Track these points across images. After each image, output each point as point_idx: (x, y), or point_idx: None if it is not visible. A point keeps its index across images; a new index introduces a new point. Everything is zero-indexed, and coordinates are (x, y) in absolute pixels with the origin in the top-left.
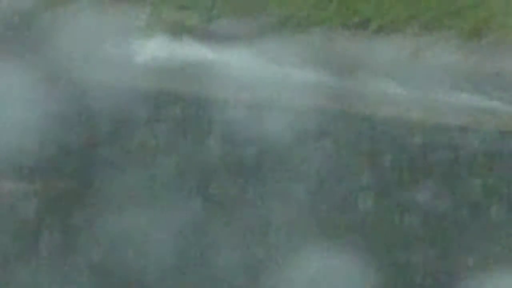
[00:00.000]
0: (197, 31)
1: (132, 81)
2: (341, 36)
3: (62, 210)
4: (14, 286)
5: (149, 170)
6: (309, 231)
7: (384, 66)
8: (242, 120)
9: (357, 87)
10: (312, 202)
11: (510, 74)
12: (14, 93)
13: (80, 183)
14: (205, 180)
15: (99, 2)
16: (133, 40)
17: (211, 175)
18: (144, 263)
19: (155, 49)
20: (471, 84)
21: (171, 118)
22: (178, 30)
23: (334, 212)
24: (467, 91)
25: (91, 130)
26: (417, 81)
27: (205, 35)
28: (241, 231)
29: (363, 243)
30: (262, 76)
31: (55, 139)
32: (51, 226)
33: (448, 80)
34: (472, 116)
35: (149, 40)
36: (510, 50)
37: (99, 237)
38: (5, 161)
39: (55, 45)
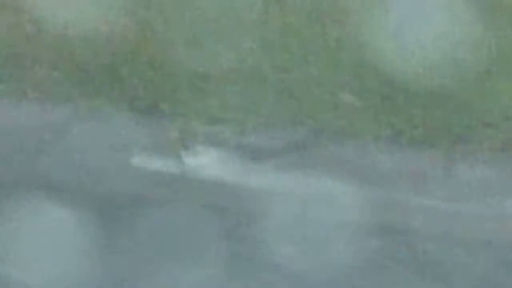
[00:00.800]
0: (229, 144)
1: (163, 195)
2: (373, 148)
3: None
4: None
5: None
6: None
7: (417, 179)
8: (273, 235)
9: (390, 200)
10: None
11: None
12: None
13: None
14: None
15: (129, 115)
16: (164, 154)
17: None
18: None
19: (186, 163)
20: (504, 197)
21: (209, 231)
22: (210, 144)
23: None
24: (498, 204)
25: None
26: (450, 194)
27: (238, 148)
28: None
29: None
30: (294, 190)
31: None
32: None
33: (481, 193)
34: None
35: (180, 153)
36: None
37: None
38: None
39: (84, 158)
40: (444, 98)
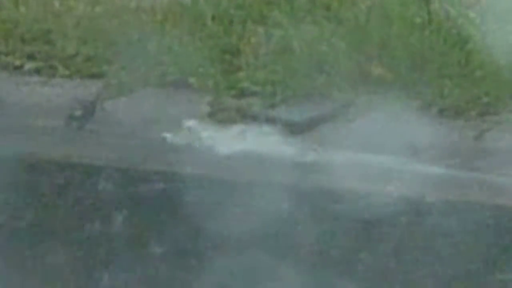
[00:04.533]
0: (259, 118)
1: (194, 169)
2: (402, 119)
3: None
4: None
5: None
6: None
7: (448, 149)
8: (301, 206)
9: (420, 169)
10: None
11: None
12: None
13: None
14: None
15: (158, 90)
16: (195, 127)
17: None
18: None
19: (217, 136)
20: None
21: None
22: (240, 117)
23: None
24: None
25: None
26: (481, 163)
27: (267, 122)
28: None
29: None
30: (324, 163)
31: None
32: None
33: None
34: None
35: (211, 127)
36: None
37: None
38: None
39: (114, 133)
40: (472, 68)
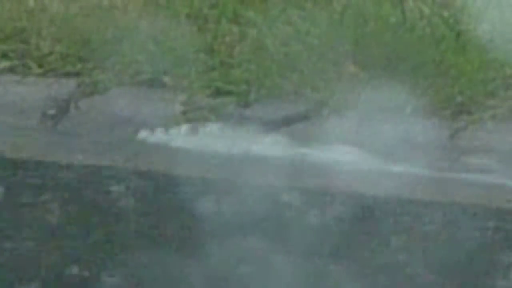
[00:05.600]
0: (233, 117)
1: (167, 169)
2: (376, 118)
3: None
4: None
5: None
6: None
7: (420, 148)
8: (272, 205)
9: (393, 169)
10: None
11: None
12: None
13: None
14: None
15: (132, 89)
16: (168, 127)
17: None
18: None
19: (189, 136)
20: (506, 165)
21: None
22: (214, 116)
23: None
24: (501, 172)
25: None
26: (455, 162)
27: (241, 121)
28: None
29: None
30: (297, 161)
31: None
32: None
33: (483, 160)
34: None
35: (184, 126)
36: None
37: None
38: None
39: (87, 132)
40: (447, 68)
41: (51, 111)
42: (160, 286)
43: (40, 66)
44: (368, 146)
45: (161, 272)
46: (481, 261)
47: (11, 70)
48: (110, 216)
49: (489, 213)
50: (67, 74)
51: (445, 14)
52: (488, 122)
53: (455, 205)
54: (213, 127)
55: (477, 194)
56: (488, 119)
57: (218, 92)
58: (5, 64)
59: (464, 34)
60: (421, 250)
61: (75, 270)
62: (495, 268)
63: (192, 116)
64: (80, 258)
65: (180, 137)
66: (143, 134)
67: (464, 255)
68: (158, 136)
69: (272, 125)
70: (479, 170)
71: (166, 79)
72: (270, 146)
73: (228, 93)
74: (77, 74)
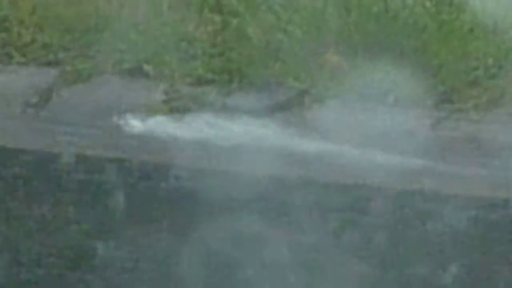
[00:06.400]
0: (214, 106)
1: (149, 156)
2: (358, 108)
3: None
4: None
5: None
6: None
7: (402, 137)
8: (256, 193)
9: (375, 158)
10: None
11: None
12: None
13: None
14: None
15: (117, 79)
16: (150, 115)
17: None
18: None
19: (168, 125)
20: (487, 154)
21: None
22: (196, 105)
23: None
24: (482, 160)
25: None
26: (436, 151)
27: (223, 110)
28: None
29: None
30: (279, 150)
31: None
32: None
33: (465, 150)
34: (485, 187)
35: (166, 115)
36: None
37: None
38: None
39: (69, 120)
40: (429, 58)
41: (34, 100)
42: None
43: (23, 55)
44: (350, 136)
45: (148, 256)
46: (465, 251)
47: None
48: (93, 203)
49: (472, 203)
50: (49, 63)
51: (428, 4)
52: (470, 112)
53: (437, 195)
54: (194, 116)
55: (460, 184)
56: (471, 109)
57: (200, 81)
58: None
59: (447, 24)
60: (402, 238)
61: (58, 257)
62: (475, 257)
63: (174, 105)
64: (64, 246)
65: (161, 125)
66: (125, 123)
67: (447, 244)
68: (140, 124)
69: (254, 114)
70: (460, 160)
71: (148, 67)
72: (252, 135)
73: (210, 82)
74: (59, 63)
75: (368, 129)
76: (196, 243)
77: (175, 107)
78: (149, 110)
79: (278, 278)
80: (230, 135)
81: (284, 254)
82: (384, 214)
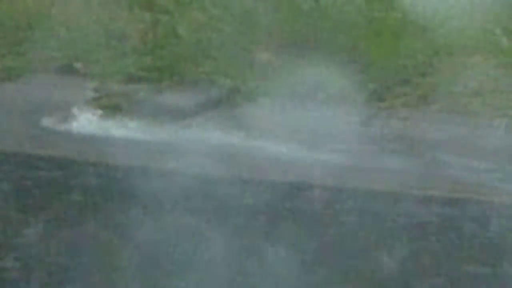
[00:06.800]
0: (144, 104)
1: (77, 154)
2: (288, 105)
3: None
4: None
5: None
6: None
7: (333, 135)
8: (183, 190)
9: (305, 156)
10: None
11: (457, 141)
12: None
13: None
14: None
15: (47, 76)
16: (80, 113)
17: None
18: None
19: (99, 123)
20: (417, 151)
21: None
22: (126, 103)
23: None
24: (411, 158)
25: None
26: (366, 149)
27: (154, 107)
28: None
29: None
30: (208, 148)
31: None
32: None
33: (395, 147)
34: (412, 183)
35: (94, 113)
36: (457, 117)
37: None
38: None
39: (2, 116)
40: (359, 55)
41: None
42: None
43: None
44: (279, 133)
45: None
46: (395, 248)
47: None
48: (19, 201)
49: (401, 199)
50: None
51: (358, 1)
52: (400, 109)
53: (368, 192)
54: (125, 114)
55: (389, 180)
56: (400, 106)
57: (131, 79)
58: None
59: (377, 22)
60: (331, 234)
61: None
62: (404, 249)
63: (104, 102)
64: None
65: (91, 123)
66: (54, 121)
67: (381, 241)
68: (70, 122)
69: (185, 112)
70: (390, 157)
71: (79, 65)
72: (181, 133)
73: (141, 79)
74: None
75: (298, 127)
76: (120, 239)
77: (105, 105)
78: (80, 108)
79: (191, 274)
80: (160, 133)
81: (205, 251)
82: (312, 210)
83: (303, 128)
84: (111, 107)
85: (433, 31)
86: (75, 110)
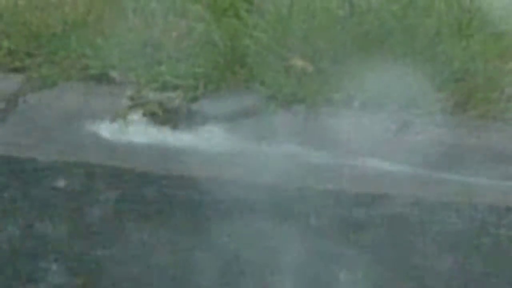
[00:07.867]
0: (181, 111)
1: (115, 162)
2: (325, 112)
3: None
4: None
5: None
6: None
7: (369, 142)
8: (224, 199)
9: (341, 164)
10: None
11: (494, 148)
12: None
13: None
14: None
15: (80, 84)
16: (116, 121)
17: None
18: None
19: (135, 132)
20: (455, 158)
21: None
22: (161, 111)
23: None
24: (451, 165)
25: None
26: (402, 156)
27: (189, 115)
28: None
29: None
30: (246, 156)
31: None
32: None
33: (432, 155)
34: (459, 192)
35: (131, 122)
36: (494, 124)
37: None
38: None
39: (35, 127)
40: (395, 61)
41: (0, 106)
42: None
43: None
44: (316, 141)
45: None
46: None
47: None
48: (57, 210)
49: (447, 208)
50: (16, 69)
51: (393, 7)
52: (436, 115)
53: (399, 199)
54: (160, 122)
55: (429, 189)
56: (437, 112)
57: (166, 86)
58: None
59: (413, 28)
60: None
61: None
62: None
63: (140, 110)
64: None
65: (128, 131)
66: (91, 129)
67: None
68: (106, 130)
69: (220, 120)
70: (423, 164)
71: (114, 73)
72: (217, 141)
73: (176, 87)
74: (25, 69)
75: (334, 134)
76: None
77: (141, 113)
78: (115, 116)
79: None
80: (195, 141)
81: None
82: (353, 218)
83: (340, 135)
84: (147, 115)
85: (468, 37)
86: (111, 118)
